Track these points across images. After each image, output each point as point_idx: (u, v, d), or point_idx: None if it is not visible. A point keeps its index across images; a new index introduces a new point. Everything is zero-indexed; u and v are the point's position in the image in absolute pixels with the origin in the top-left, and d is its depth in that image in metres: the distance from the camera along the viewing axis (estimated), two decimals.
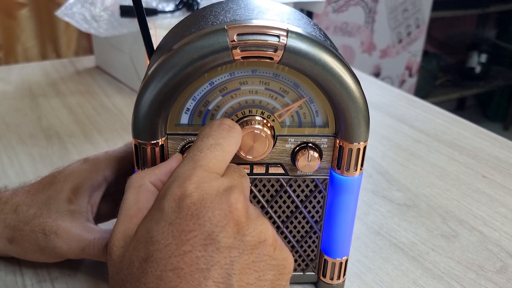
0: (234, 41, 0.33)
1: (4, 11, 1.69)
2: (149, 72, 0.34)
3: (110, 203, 0.47)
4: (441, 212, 0.58)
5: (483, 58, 2.84)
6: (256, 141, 0.36)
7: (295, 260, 0.44)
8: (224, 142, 0.32)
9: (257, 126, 0.36)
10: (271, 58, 0.34)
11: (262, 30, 0.33)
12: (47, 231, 0.41)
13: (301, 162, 0.38)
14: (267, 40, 0.33)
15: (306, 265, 0.44)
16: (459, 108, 3.20)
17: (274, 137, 0.38)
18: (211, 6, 0.40)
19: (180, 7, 0.80)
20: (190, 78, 0.34)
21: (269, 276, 0.29)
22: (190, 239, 0.27)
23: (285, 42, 0.33)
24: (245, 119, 0.37)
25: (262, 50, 0.33)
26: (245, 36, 0.33)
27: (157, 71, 0.34)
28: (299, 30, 0.34)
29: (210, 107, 0.37)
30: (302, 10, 1.79)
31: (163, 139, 0.37)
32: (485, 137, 0.76)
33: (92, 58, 1.04)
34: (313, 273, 0.44)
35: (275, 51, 0.33)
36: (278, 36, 0.33)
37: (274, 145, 0.38)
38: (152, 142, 0.36)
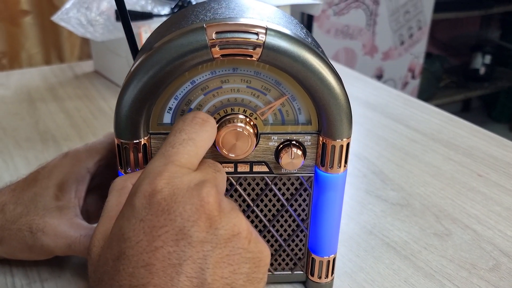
0: (213, 39, 0.33)
1: (8, 19, 1.71)
2: (130, 71, 0.35)
3: (97, 199, 0.47)
4: (435, 211, 0.58)
5: (487, 59, 2.83)
6: (239, 139, 0.36)
7: (283, 259, 0.44)
8: (197, 136, 0.32)
9: (239, 124, 0.36)
10: (251, 56, 0.34)
11: (240, 28, 0.33)
12: (34, 229, 0.41)
13: (285, 159, 0.38)
14: (245, 38, 0.33)
15: (294, 264, 0.44)
16: (464, 110, 3.19)
17: (257, 135, 0.38)
18: (194, 6, 0.40)
19: (175, 10, 0.80)
20: (171, 77, 0.34)
21: (244, 269, 0.29)
22: (161, 235, 0.27)
23: (263, 39, 0.33)
24: (227, 117, 0.37)
25: (241, 48, 0.33)
26: (224, 34, 0.33)
27: (138, 70, 0.34)
28: (278, 28, 0.34)
29: (192, 106, 0.37)
30: (302, 14, 1.79)
31: (145, 138, 0.37)
32: (481, 135, 0.76)
33: (90, 63, 1.04)
34: (302, 272, 0.44)
35: (254, 48, 0.33)
36: (257, 34, 0.33)
37: (257, 143, 0.38)
38: (135, 141, 0.36)
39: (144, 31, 0.76)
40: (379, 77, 2.17)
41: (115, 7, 0.79)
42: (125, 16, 0.40)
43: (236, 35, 0.33)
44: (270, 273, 0.44)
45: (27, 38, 1.76)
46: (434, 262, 0.50)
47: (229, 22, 0.34)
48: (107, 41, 0.86)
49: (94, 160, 0.46)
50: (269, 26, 0.34)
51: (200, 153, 0.32)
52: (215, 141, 0.36)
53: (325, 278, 0.43)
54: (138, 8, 0.79)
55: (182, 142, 0.31)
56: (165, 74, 0.34)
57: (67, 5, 0.82)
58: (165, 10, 0.80)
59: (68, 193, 0.44)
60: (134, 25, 0.72)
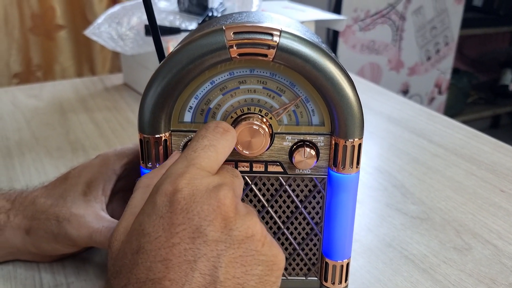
0: (231, 39, 0.35)
1: (44, 33, 1.77)
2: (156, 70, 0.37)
3: (122, 200, 0.50)
4: (455, 225, 0.58)
5: None
6: (254, 136, 0.38)
7: (297, 264, 0.45)
8: (218, 144, 0.34)
9: (255, 122, 0.38)
10: (265, 56, 0.36)
11: (256, 29, 0.36)
12: (61, 218, 0.44)
13: (298, 158, 0.40)
14: (261, 38, 0.36)
15: (308, 269, 0.45)
16: (493, 126, 3.14)
17: (272, 134, 0.40)
18: (217, 18, 0.43)
19: None
20: (191, 75, 0.37)
21: (256, 271, 0.30)
22: (179, 232, 0.29)
23: (278, 40, 0.35)
24: (244, 116, 0.39)
25: (257, 48, 0.36)
26: (241, 35, 0.36)
27: (161, 68, 0.37)
28: (293, 31, 0.36)
29: (211, 106, 0.39)
30: (328, 30, 1.80)
31: (166, 134, 0.39)
32: (505, 151, 0.76)
33: (120, 76, 1.07)
34: (316, 278, 0.45)
35: (269, 48, 0.36)
36: (271, 35, 0.36)
37: (271, 142, 0.40)
38: (156, 136, 0.39)
39: (172, 45, 0.78)
40: (405, 92, 2.16)
41: (145, 22, 0.82)
42: (155, 31, 0.43)
43: (252, 35, 0.36)
44: (284, 277, 0.45)
45: (61, 52, 1.82)
46: (453, 276, 0.50)
47: (246, 24, 0.36)
48: (136, 55, 0.89)
49: (121, 163, 0.48)
50: (283, 29, 0.36)
51: (220, 159, 0.34)
52: None
53: (339, 284, 0.44)
54: (166, 23, 0.82)
55: (204, 147, 0.33)
56: (186, 72, 0.36)
57: (99, 20, 0.85)
58: (192, 25, 0.82)
59: (96, 190, 0.46)
60: (163, 39, 0.74)
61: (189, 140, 0.40)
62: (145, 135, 0.39)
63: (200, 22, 0.83)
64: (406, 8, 1.98)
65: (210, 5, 0.84)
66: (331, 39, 1.86)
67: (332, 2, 1.83)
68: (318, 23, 0.96)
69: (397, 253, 0.53)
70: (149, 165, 0.40)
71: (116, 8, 0.88)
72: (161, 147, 0.39)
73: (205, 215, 0.30)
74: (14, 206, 0.46)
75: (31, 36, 1.75)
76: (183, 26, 0.81)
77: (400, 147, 0.77)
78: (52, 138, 0.79)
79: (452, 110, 2.52)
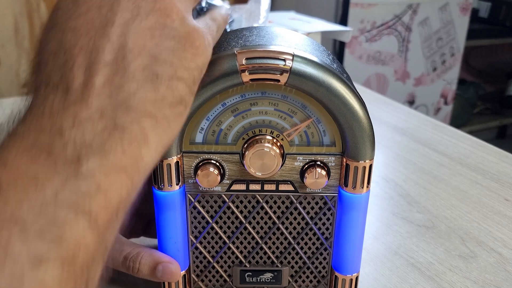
0: (243, 64, 0.35)
1: None
2: None
3: (128, 212, 0.50)
4: (460, 233, 0.58)
5: None
6: (266, 158, 0.38)
7: (307, 277, 0.45)
8: None
9: (266, 144, 0.38)
10: (278, 81, 0.36)
11: (269, 55, 0.36)
12: None
13: (309, 179, 0.40)
14: (273, 64, 0.36)
15: (318, 281, 0.45)
16: (500, 136, 3.14)
17: (283, 155, 0.40)
18: (227, 33, 0.43)
19: None
20: (203, 98, 0.37)
21: (168, 44, 0.30)
22: (86, 2, 0.29)
23: (290, 65, 0.35)
24: (255, 138, 0.39)
25: (269, 73, 0.36)
26: (253, 60, 0.36)
27: None
28: (305, 54, 0.36)
29: (222, 127, 0.39)
30: (334, 41, 1.82)
31: (178, 156, 0.39)
32: (510, 161, 0.76)
33: None
34: None
35: (281, 73, 0.36)
36: (284, 60, 0.35)
37: (283, 163, 0.40)
38: (168, 159, 0.39)
39: None
40: (411, 102, 2.17)
41: None
42: None
43: (265, 61, 0.36)
44: None
45: None
46: (458, 283, 0.50)
47: (258, 49, 0.36)
48: None
49: None
50: (295, 53, 0.36)
51: None
52: (244, 160, 0.39)
53: None
54: None
55: None
56: (198, 96, 0.36)
57: None
58: None
59: None
60: None
61: (200, 162, 0.40)
62: None
63: None
64: (412, 19, 1.99)
65: None
66: (338, 50, 1.87)
67: (338, 13, 1.84)
68: (324, 34, 0.98)
69: (403, 261, 0.53)
70: (161, 186, 0.40)
71: None
72: (173, 169, 0.39)
73: None
74: None
75: None
76: None
77: (406, 157, 0.78)
78: None
79: (458, 121, 2.52)
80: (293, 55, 0.36)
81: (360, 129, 0.38)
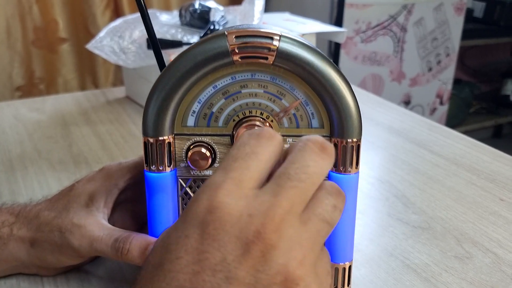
0: (233, 44, 0.37)
1: (46, 47, 1.78)
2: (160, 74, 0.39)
3: (123, 213, 0.51)
4: (456, 234, 0.58)
5: None
6: None
7: None
8: (262, 150, 0.30)
9: (257, 123, 0.40)
10: (266, 58, 0.38)
11: (257, 33, 0.38)
12: (63, 229, 0.44)
13: None
14: (262, 42, 0.38)
15: None
16: (495, 136, 3.14)
17: None
18: (219, 31, 0.44)
19: None
20: (194, 78, 0.39)
21: None
22: (202, 260, 0.26)
23: (278, 44, 0.38)
24: (246, 119, 0.41)
25: (257, 51, 0.38)
26: (243, 38, 0.38)
27: (166, 72, 0.38)
28: (291, 35, 0.38)
29: (214, 110, 0.41)
30: (330, 42, 1.82)
31: (170, 137, 0.40)
32: (504, 160, 0.76)
33: (122, 89, 1.08)
34: None
35: (269, 51, 0.38)
36: (272, 38, 0.38)
37: None
38: (160, 138, 0.40)
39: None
40: (406, 103, 2.17)
41: (147, 36, 0.83)
42: (154, 42, 0.45)
43: (254, 39, 0.38)
44: None
45: (64, 65, 1.83)
46: (454, 284, 0.50)
47: (248, 29, 0.38)
48: (138, 68, 0.90)
49: (125, 178, 0.49)
50: (283, 34, 0.38)
51: (262, 169, 0.30)
52: (234, 140, 0.40)
53: None
54: (168, 37, 0.83)
55: (244, 156, 0.29)
56: (189, 76, 0.38)
57: (101, 34, 0.86)
58: (194, 39, 0.83)
59: (98, 202, 0.47)
60: (165, 52, 0.75)
61: (192, 144, 0.41)
62: (149, 138, 0.40)
63: (202, 35, 0.84)
64: (407, 19, 1.99)
65: (211, 18, 0.85)
66: (333, 50, 1.87)
67: (333, 14, 1.84)
68: (319, 35, 0.97)
69: (399, 263, 0.53)
70: (153, 168, 0.40)
71: (118, 21, 0.89)
72: (165, 149, 0.40)
73: (232, 249, 0.26)
74: (18, 219, 0.47)
75: (33, 49, 1.77)
76: (185, 39, 0.82)
77: (401, 158, 0.77)
78: (54, 151, 0.79)
79: (454, 120, 2.52)
80: (280, 35, 0.38)
81: (346, 106, 0.39)
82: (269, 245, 0.26)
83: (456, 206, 0.64)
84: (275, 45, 0.37)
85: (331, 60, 0.39)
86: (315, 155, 0.29)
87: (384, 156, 0.78)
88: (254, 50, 0.38)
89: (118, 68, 1.87)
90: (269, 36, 0.37)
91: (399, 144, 0.82)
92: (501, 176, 0.71)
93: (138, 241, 0.43)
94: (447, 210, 0.63)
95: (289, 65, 0.38)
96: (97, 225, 0.45)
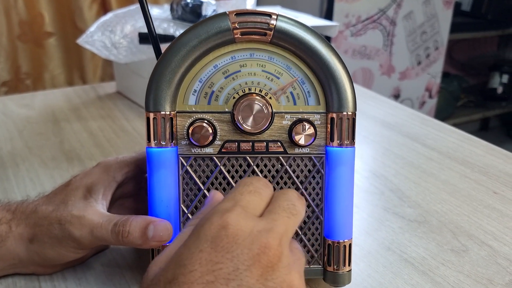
0: (234, 21, 0.40)
1: (32, 41, 1.76)
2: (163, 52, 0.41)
3: (120, 208, 0.51)
4: (451, 227, 0.58)
5: (505, 78, 2.83)
6: (255, 111, 0.42)
7: None
8: (262, 191, 0.35)
9: (256, 97, 0.42)
10: (265, 34, 0.41)
11: (257, 11, 0.41)
12: (63, 221, 0.44)
13: (298, 134, 0.43)
14: (261, 19, 0.40)
15: (312, 256, 0.46)
16: (483, 129, 3.17)
17: (272, 113, 0.43)
18: None
19: None
20: (196, 55, 0.41)
21: None
22: (215, 270, 0.29)
23: (275, 22, 0.40)
24: (245, 96, 0.42)
25: (257, 26, 0.40)
26: (243, 16, 0.40)
27: (170, 49, 0.40)
28: (288, 15, 0.41)
29: (214, 89, 0.42)
30: None
31: (172, 113, 0.42)
32: (497, 154, 0.77)
33: (113, 84, 1.07)
34: (319, 265, 0.46)
35: (268, 27, 0.40)
36: (270, 16, 0.40)
37: (272, 121, 0.43)
38: (162, 113, 0.41)
39: None
40: (396, 96, 2.18)
41: (139, 30, 0.82)
42: (154, 38, 0.46)
43: (253, 17, 0.40)
44: None
45: (50, 59, 1.81)
46: (451, 277, 0.50)
47: (247, 9, 0.41)
48: (130, 63, 0.89)
49: (122, 171, 0.49)
50: (280, 13, 0.41)
51: (263, 204, 0.34)
52: (234, 115, 0.42)
53: (342, 267, 0.45)
54: (160, 31, 0.82)
55: (249, 192, 0.34)
56: (192, 52, 0.40)
57: (92, 28, 0.85)
58: None
59: (96, 194, 0.46)
60: None
61: (194, 121, 0.42)
62: (151, 113, 0.41)
63: None
64: (397, 13, 2.00)
65: (203, 13, 0.84)
66: None
67: (323, 7, 1.84)
68: None
69: (396, 257, 0.53)
70: (155, 143, 0.42)
71: (109, 16, 0.88)
72: (167, 124, 0.41)
73: (244, 259, 0.29)
74: (16, 216, 0.46)
75: (19, 43, 1.74)
76: (177, 33, 0.81)
77: (395, 151, 0.77)
78: (46, 147, 0.79)
79: (442, 114, 2.54)
80: (278, 14, 0.41)
81: (340, 80, 0.42)
82: (277, 257, 0.30)
83: (451, 199, 0.64)
84: (272, 23, 0.40)
85: (324, 38, 0.41)
86: (296, 200, 0.35)
87: (377, 150, 0.78)
88: (253, 25, 0.40)
89: (106, 63, 1.85)
90: (268, 14, 0.40)
91: (392, 137, 0.83)
92: (494, 169, 0.72)
93: (138, 222, 0.43)
94: (442, 204, 0.63)
95: (286, 41, 0.41)
96: (96, 214, 0.45)
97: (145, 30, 0.82)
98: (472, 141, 0.82)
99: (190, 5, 0.85)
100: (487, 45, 3.00)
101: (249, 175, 0.44)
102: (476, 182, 0.68)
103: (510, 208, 0.62)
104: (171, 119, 0.41)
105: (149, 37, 0.48)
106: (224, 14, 0.40)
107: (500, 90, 2.85)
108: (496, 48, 3.08)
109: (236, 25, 0.40)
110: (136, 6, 0.88)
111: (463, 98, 2.85)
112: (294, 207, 0.34)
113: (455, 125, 0.89)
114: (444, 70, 2.37)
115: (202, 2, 0.85)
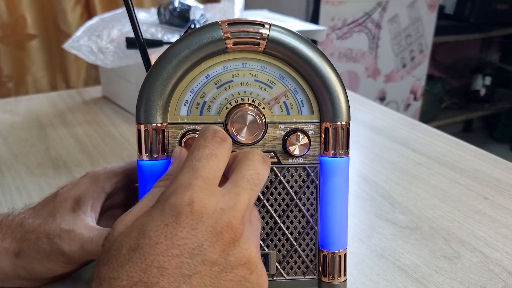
0: (226, 31, 0.39)
1: (15, 43, 1.73)
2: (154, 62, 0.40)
3: (110, 219, 0.50)
4: (443, 234, 0.58)
5: (488, 81, 2.86)
6: (248, 122, 0.41)
7: (295, 262, 0.45)
8: (219, 153, 0.35)
9: (249, 108, 0.41)
10: (258, 44, 0.40)
11: (249, 21, 0.40)
12: (51, 235, 0.43)
13: (292, 144, 0.42)
14: (253, 29, 0.40)
15: (306, 267, 0.45)
16: (466, 130, 3.20)
17: (265, 123, 0.42)
18: None
19: None
20: (188, 65, 0.40)
21: None
22: (181, 245, 0.30)
23: (268, 32, 0.40)
24: (238, 106, 0.42)
25: (249, 36, 0.40)
26: (235, 26, 0.40)
27: (161, 58, 0.39)
28: (281, 24, 0.40)
29: (206, 99, 0.42)
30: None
31: (164, 124, 0.41)
32: (486, 159, 0.77)
33: (99, 89, 1.06)
34: (314, 276, 0.45)
35: (261, 37, 0.40)
36: (263, 25, 0.40)
37: (265, 131, 0.42)
38: (153, 125, 0.40)
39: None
40: (381, 99, 2.19)
41: (126, 35, 0.81)
42: (141, 43, 0.46)
43: (246, 27, 0.40)
44: (283, 278, 0.45)
45: (33, 62, 1.78)
46: (445, 285, 0.50)
47: (240, 18, 0.40)
48: (116, 68, 0.88)
49: (111, 182, 0.48)
50: (273, 23, 0.40)
51: (221, 168, 0.35)
52: (227, 126, 0.41)
53: (338, 277, 0.44)
54: (148, 36, 0.81)
55: (206, 157, 0.34)
56: (184, 62, 0.39)
57: (78, 33, 0.84)
58: (175, 38, 0.82)
59: (85, 206, 0.46)
60: None
61: (185, 133, 0.41)
62: (142, 125, 0.40)
63: (182, 34, 0.82)
64: (382, 16, 2.01)
65: (191, 17, 0.83)
66: None
67: (309, 10, 1.84)
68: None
69: (390, 264, 0.53)
70: (146, 155, 0.41)
71: (95, 20, 0.87)
72: (159, 136, 0.41)
73: (208, 236, 0.31)
74: (1, 229, 0.45)
75: (1, 46, 1.71)
76: (165, 38, 0.81)
77: (384, 157, 0.77)
78: (31, 154, 0.77)
79: (427, 116, 2.56)
80: (271, 24, 0.40)
81: (333, 90, 0.41)
82: (238, 234, 0.32)
83: (441, 205, 0.64)
84: (266, 33, 0.40)
85: (318, 47, 0.41)
86: (261, 165, 0.36)
87: (368, 155, 0.78)
88: (246, 35, 0.39)
89: (90, 66, 1.83)
90: (261, 24, 0.40)
91: (381, 142, 0.83)
92: (483, 174, 0.72)
93: None
94: (433, 210, 0.63)
95: (279, 51, 0.40)
96: (85, 227, 0.44)
97: (132, 34, 0.81)
98: (461, 145, 0.82)
99: (178, 10, 0.84)
100: (470, 47, 3.04)
101: None
102: (466, 188, 0.68)
103: (500, 213, 0.62)
104: (163, 130, 0.41)
105: (136, 42, 0.47)
106: (216, 23, 0.40)
107: (482, 92, 2.88)
108: (479, 50, 3.11)
109: (229, 35, 0.39)
110: (123, 10, 0.87)
111: (447, 100, 2.88)
112: (258, 176, 0.35)
113: (439, 127, 0.89)
114: (428, 73, 2.39)
115: (190, 7, 0.84)
